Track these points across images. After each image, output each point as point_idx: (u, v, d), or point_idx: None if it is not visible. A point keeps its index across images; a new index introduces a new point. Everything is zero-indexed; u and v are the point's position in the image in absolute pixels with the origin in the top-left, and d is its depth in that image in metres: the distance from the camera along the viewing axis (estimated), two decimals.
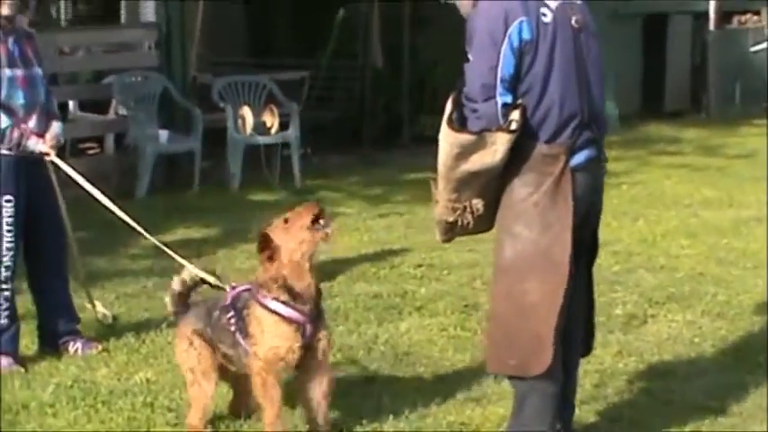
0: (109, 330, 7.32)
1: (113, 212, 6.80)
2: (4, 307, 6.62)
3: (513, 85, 4.79)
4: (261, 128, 12.58)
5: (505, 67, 4.76)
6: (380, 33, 15.25)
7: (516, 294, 4.91)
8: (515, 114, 4.75)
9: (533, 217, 4.86)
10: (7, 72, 6.47)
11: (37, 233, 6.74)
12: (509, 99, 4.77)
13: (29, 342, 7.04)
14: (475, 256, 9.01)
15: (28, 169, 6.62)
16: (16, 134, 6.47)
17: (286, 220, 5.27)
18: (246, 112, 12.53)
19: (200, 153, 12.35)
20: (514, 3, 4.80)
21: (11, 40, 6.56)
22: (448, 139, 4.87)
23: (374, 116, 15.34)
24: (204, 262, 8.35)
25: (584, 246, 5.11)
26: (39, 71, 6.70)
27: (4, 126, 6.43)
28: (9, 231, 6.52)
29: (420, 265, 8.92)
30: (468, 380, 6.41)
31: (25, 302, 7.11)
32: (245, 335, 5.34)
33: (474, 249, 9.19)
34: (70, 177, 6.85)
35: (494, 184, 4.94)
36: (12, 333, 6.69)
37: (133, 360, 6.81)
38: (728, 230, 10.43)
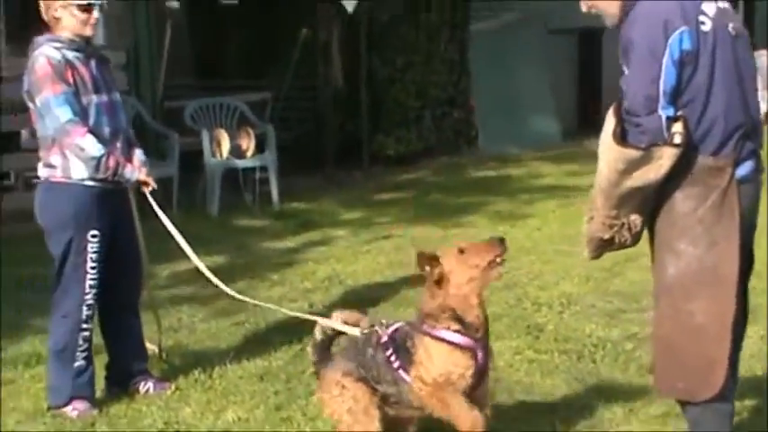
0: (169, 367, 6.87)
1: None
2: (82, 347, 6.11)
3: (676, 97, 4.55)
4: (237, 150, 12.17)
5: (668, 79, 4.51)
6: (339, 53, 15.01)
7: (683, 315, 4.65)
8: (678, 127, 4.51)
9: (698, 233, 4.61)
10: (94, 98, 6.00)
11: (116, 269, 6.23)
12: (671, 112, 4.53)
13: None
14: (508, 275, 8.73)
15: (112, 200, 6.15)
16: (112, 163, 5.98)
17: (461, 251, 4.93)
18: (222, 135, 12.14)
19: (178, 178, 11.85)
20: (673, 11, 4.57)
21: (93, 63, 6.09)
22: (612, 154, 4.58)
23: (333, 136, 15.01)
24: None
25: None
26: (118, 96, 6.25)
27: (99, 154, 5.92)
28: (93, 268, 6.04)
29: None
30: (573, 408, 6.11)
31: None
32: (410, 368, 4.96)
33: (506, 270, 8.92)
34: (153, 210, 6.38)
35: (651, 199, 4.69)
36: (89, 375, 6.20)
37: (211, 397, 6.35)
38: None
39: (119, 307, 6.38)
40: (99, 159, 5.93)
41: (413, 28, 15.75)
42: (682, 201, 4.65)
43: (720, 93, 4.60)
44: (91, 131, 5.94)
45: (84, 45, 6.06)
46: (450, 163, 15.68)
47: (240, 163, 12.19)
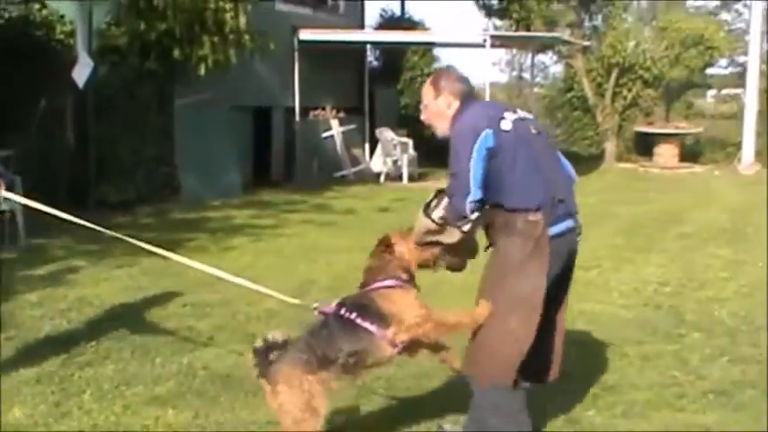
0: None
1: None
2: None
3: (483, 185, 4.72)
4: None
5: (476, 172, 4.70)
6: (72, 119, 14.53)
7: (503, 325, 4.80)
8: (475, 215, 4.76)
9: (519, 270, 4.79)
10: None
11: None
12: (478, 196, 4.73)
13: None
14: (223, 295, 8.72)
15: None
16: None
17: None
18: None
19: None
20: (479, 119, 4.78)
21: None
22: (421, 221, 4.86)
23: (66, 186, 14.47)
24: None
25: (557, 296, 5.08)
26: None
27: None
28: None
29: (185, 305, 8.47)
30: None
31: None
32: (378, 319, 4.61)
33: (219, 291, 8.88)
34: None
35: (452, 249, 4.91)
36: None
37: None
38: None
39: None
40: None
41: (130, 101, 15.46)
42: (508, 246, 4.84)
43: (528, 173, 4.78)
44: None
45: None
46: (160, 208, 15.44)
47: None
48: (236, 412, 5.83)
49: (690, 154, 28.27)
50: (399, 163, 22.12)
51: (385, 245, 4.84)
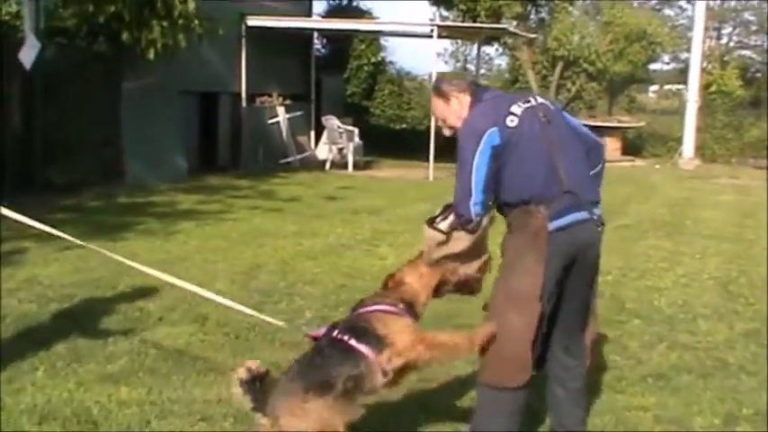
0: None
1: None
2: None
3: (488, 188, 4.62)
4: None
5: (478, 176, 4.58)
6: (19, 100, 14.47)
7: (502, 325, 4.65)
8: (485, 220, 4.66)
9: (515, 265, 4.68)
10: None
11: None
12: (482, 197, 4.61)
13: None
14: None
15: None
16: None
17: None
18: None
19: None
20: (483, 120, 4.65)
21: None
22: (426, 233, 4.72)
23: (12, 168, 14.39)
24: None
25: (581, 288, 4.92)
26: None
27: None
28: None
29: (135, 286, 8.52)
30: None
31: None
32: (372, 341, 4.28)
33: (169, 272, 8.94)
34: None
35: (466, 255, 4.75)
36: None
37: None
38: (331, 253, 10.78)
39: None
40: None
41: (78, 83, 15.41)
42: (506, 241, 4.76)
43: (530, 166, 4.64)
44: None
45: None
46: (105, 192, 15.41)
47: None
48: (188, 389, 5.94)
49: (632, 148, 28.84)
50: (345, 151, 22.26)
51: (388, 281, 4.65)
